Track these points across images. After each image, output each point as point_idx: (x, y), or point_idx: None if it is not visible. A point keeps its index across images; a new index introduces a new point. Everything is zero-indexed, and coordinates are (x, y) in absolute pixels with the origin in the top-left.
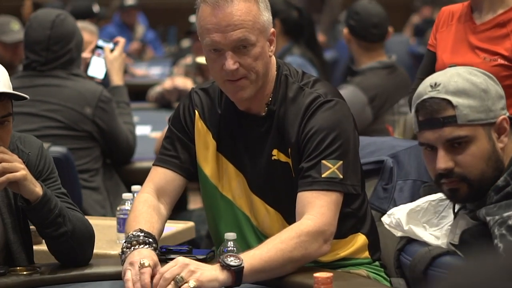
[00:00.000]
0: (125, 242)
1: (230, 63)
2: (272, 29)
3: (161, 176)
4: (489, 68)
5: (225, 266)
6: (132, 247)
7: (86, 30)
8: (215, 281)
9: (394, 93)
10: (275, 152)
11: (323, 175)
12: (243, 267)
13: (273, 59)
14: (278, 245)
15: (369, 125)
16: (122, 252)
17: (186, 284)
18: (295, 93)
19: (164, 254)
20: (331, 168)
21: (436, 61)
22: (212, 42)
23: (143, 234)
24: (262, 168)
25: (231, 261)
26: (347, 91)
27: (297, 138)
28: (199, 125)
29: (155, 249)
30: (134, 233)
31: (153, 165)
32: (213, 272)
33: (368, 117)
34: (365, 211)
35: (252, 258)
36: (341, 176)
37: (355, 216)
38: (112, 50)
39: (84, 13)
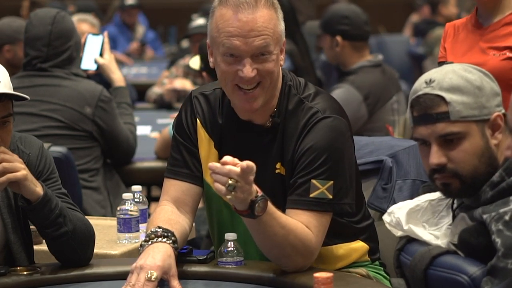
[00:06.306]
0: (143, 239)
1: (249, 70)
2: (284, 39)
3: (175, 188)
4: (498, 62)
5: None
6: (150, 241)
7: (87, 22)
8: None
9: (385, 90)
10: (278, 165)
11: (311, 195)
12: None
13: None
14: (285, 232)
15: (364, 123)
16: (141, 245)
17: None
18: (295, 106)
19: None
20: (320, 188)
21: None
22: (232, 46)
23: (161, 229)
24: (265, 181)
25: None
26: (343, 90)
27: (293, 153)
28: (202, 134)
29: (173, 242)
30: (152, 229)
31: (165, 177)
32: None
33: (363, 115)
34: (365, 221)
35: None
36: (331, 197)
37: (355, 228)
38: (101, 54)
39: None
